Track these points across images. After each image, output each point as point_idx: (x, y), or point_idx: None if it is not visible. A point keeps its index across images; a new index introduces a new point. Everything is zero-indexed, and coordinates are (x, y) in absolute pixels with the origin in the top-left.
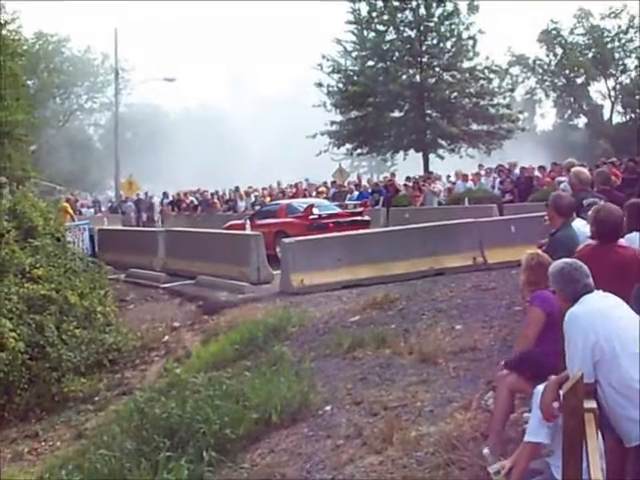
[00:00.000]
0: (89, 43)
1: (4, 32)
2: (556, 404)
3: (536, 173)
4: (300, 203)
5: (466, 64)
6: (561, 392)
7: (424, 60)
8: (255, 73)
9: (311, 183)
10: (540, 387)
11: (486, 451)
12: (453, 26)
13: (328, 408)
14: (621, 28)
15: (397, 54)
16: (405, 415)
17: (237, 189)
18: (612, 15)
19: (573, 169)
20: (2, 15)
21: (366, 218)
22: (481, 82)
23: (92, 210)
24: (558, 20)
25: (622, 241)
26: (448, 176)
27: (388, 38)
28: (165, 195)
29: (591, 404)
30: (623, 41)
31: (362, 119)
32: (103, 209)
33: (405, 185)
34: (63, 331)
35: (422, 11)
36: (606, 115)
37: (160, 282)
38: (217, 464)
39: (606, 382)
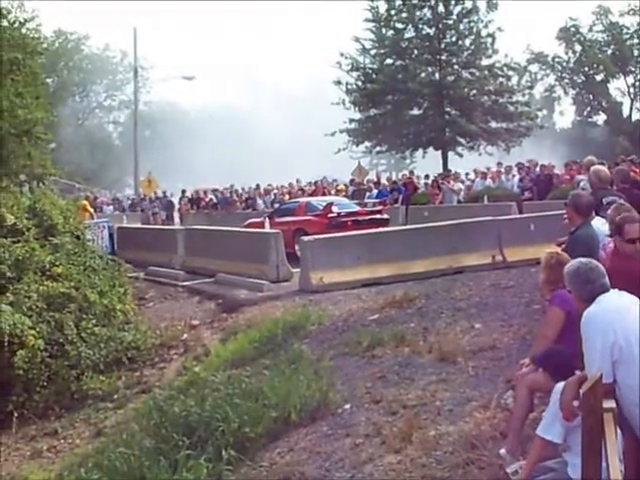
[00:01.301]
0: (108, 41)
1: (24, 30)
2: (575, 403)
3: (556, 171)
4: (319, 201)
5: (485, 62)
6: (580, 392)
7: (443, 58)
8: (274, 70)
9: (332, 180)
10: (559, 385)
11: (502, 451)
12: (472, 24)
13: (347, 407)
14: None
15: (416, 52)
16: (424, 414)
17: (257, 187)
18: (631, 12)
19: (592, 167)
20: (22, 13)
21: (385, 216)
22: (500, 80)
23: (111, 208)
24: (577, 17)
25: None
26: (467, 174)
27: (407, 36)
28: (184, 193)
29: (610, 404)
30: None
31: (381, 117)
32: (124, 207)
33: (424, 183)
34: (82, 329)
35: (441, 9)
36: (625, 112)
37: (179, 280)
38: (236, 463)
39: (624, 382)
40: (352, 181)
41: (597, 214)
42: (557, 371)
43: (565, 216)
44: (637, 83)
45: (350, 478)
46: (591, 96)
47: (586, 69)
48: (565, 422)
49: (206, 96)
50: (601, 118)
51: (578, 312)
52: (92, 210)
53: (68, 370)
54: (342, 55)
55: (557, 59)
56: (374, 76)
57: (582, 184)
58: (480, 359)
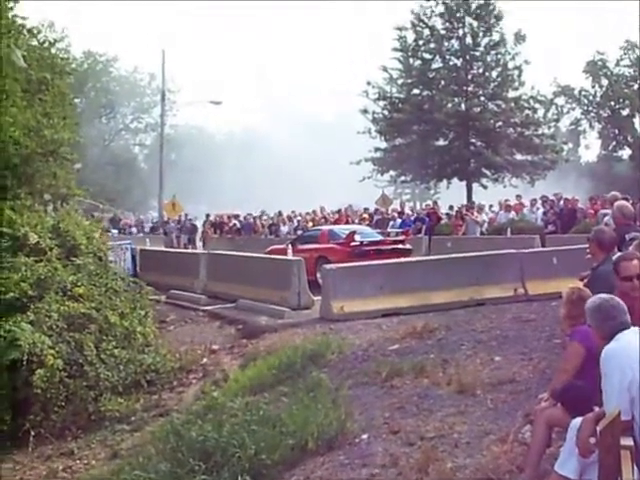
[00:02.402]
0: (137, 63)
1: (53, 50)
2: (592, 440)
3: (580, 205)
4: (342, 229)
5: (511, 94)
6: (598, 428)
7: (469, 89)
8: (301, 97)
9: (357, 209)
10: (576, 421)
11: None
12: (499, 55)
13: (365, 436)
14: None
15: (443, 82)
16: (442, 446)
17: (280, 213)
18: None
19: (616, 203)
20: (51, 33)
21: (407, 246)
22: (526, 112)
23: (134, 229)
24: (604, 51)
25: None
26: (491, 206)
27: (434, 66)
28: (208, 217)
29: (628, 441)
30: None
31: (406, 146)
32: (146, 229)
33: (447, 214)
34: (102, 350)
35: (468, 40)
36: None
37: (201, 304)
38: None
39: None
40: (376, 210)
41: (619, 250)
42: (575, 406)
43: (588, 251)
44: None
45: None
46: (617, 130)
47: (612, 103)
48: (581, 458)
49: (232, 120)
50: (626, 153)
51: (598, 348)
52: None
53: (86, 391)
54: (369, 84)
55: (584, 93)
56: (400, 105)
57: (606, 219)
58: (499, 392)
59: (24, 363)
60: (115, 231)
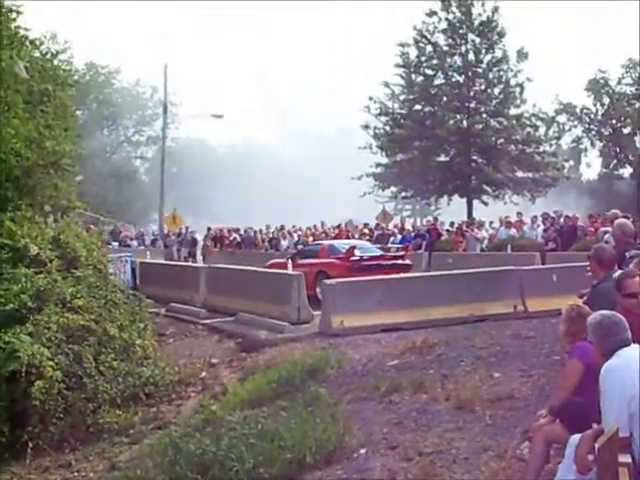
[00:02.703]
0: (139, 76)
1: (55, 62)
2: (591, 457)
3: (580, 222)
4: (342, 244)
5: (513, 111)
6: (596, 445)
7: (471, 105)
8: (302, 112)
9: (357, 224)
10: (575, 437)
11: None
12: (501, 73)
13: (363, 451)
14: None
15: (445, 99)
16: (440, 461)
17: (282, 228)
18: None
19: (617, 221)
20: (54, 45)
21: (407, 262)
22: (527, 129)
23: (135, 242)
24: (606, 69)
25: None
26: (491, 222)
27: (436, 82)
28: (209, 230)
29: (626, 458)
30: None
31: (407, 162)
32: (146, 242)
33: (448, 230)
34: (101, 362)
35: (471, 57)
36: None
37: (200, 318)
38: None
39: None
40: (377, 225)
41: (620, 268)
42: (573, 423)
43: (588, 269)
44: None
45: None
46: (618, 149)
47: (614, 122)
48: (579, 475)
49: (234, 134)
50: (627, 171)
51: (597, 365)
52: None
53: (85, 403)
54: (371, 99)
55: (585, 111)
56: (402, 121)
57: (606, 237)
58: (498, 408)
59: (23, 375)
60: (115, 243)
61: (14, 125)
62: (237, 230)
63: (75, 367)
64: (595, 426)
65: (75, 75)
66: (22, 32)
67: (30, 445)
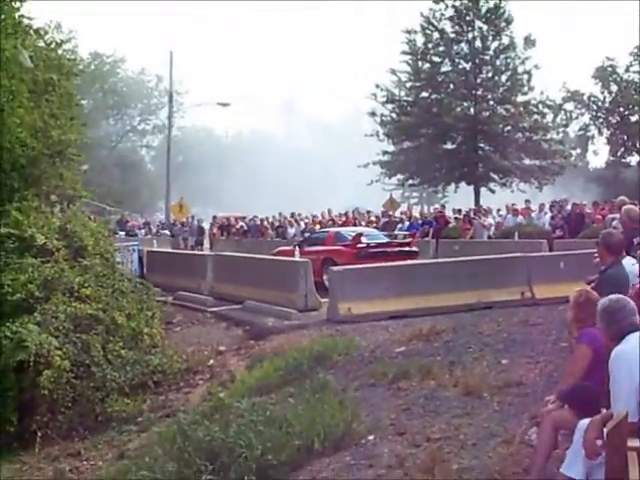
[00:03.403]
0: (144, 65)
1: (60, 51)
2: (599, 442)
3: (587, 210)
4: (349, 231)
5: (520, 98)
6: (605, 430)
7: (478, 93)
8: (308, 100)
9: (365, 212)
10: (583, 422)
11: None
12: (509, 60)
13: (371, 437)
14: None
15: (451, 86)
16: (448, 447)
17: (292, 214)
18: None
19: (624, 207)
20: (59, 34)
21: (414, 249)
22: (535, 117)
23: (142, 232)
24: (614, 57)
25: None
26: (498, 210)
27: (443, 70)
28: (215, 219)
29: (635, 443)
30: None
31: (414, 150)
32: (153, 231)
33: (455, 217)
34: (109, 351)
35: (478, 44)
36: None
37: (207, 306)
38: None
39: None
40: (384, 213)
41: (628, 254)
42: (582, 408)
43: (596, 255)
44: None
45: None
46: (625, 137)
47: (621, 109)
48: (588, 460)
49: (240, 122)
50: (634, 159)
51: (606, 350)
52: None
53: (93, 392)
54: (378, 87)
55: (593, 98)
56: (409, 109)
57: (614, 223)
58: (506, 395)
59: (31, 364)
60: (122, 233)
61: (19, 114)
62: (244, 218)
63: (83, 356)
64: (604, 411)
65: (80, 64)
66: (26, 21)
67: (39, 434)
